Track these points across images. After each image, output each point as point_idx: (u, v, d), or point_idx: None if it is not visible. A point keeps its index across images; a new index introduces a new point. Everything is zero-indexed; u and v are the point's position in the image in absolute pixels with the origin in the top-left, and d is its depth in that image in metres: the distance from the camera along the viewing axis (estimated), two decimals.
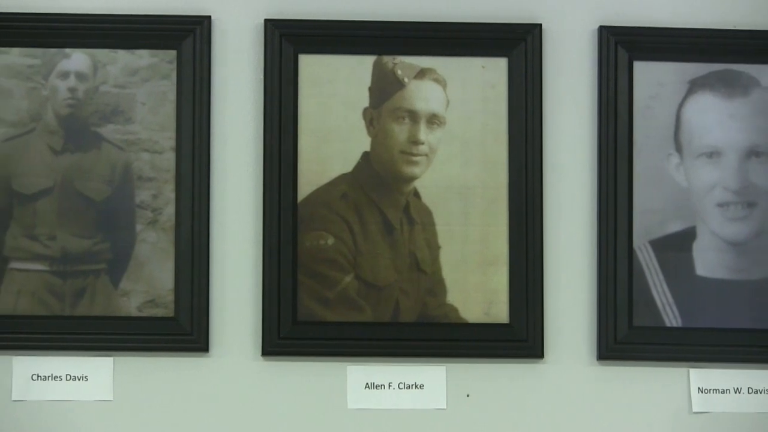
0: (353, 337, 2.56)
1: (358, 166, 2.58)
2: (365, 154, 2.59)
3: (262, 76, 2.58)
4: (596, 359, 2.59)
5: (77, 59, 2.58)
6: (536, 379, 2.59)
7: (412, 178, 2.59)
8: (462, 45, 2.60)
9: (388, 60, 2.60)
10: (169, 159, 2.57)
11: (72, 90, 2.57)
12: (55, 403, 2.55)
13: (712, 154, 2.61)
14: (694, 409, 2.59)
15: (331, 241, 2.57)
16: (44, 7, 2.59)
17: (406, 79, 2.59)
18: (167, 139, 2.57)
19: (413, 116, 2.59)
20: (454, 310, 2.58)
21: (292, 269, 2.55)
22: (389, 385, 2.57)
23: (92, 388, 2.55)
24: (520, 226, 2.58)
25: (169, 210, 2.57)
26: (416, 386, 2.57)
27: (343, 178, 2.58)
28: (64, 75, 2.58)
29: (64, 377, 2.55)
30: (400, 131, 2.59)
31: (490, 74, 2.61)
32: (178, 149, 2.57)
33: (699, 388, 2.59)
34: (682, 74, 2.62)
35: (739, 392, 2.59)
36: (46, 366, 2.55)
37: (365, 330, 2.56)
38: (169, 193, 2.57)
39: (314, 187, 2.58)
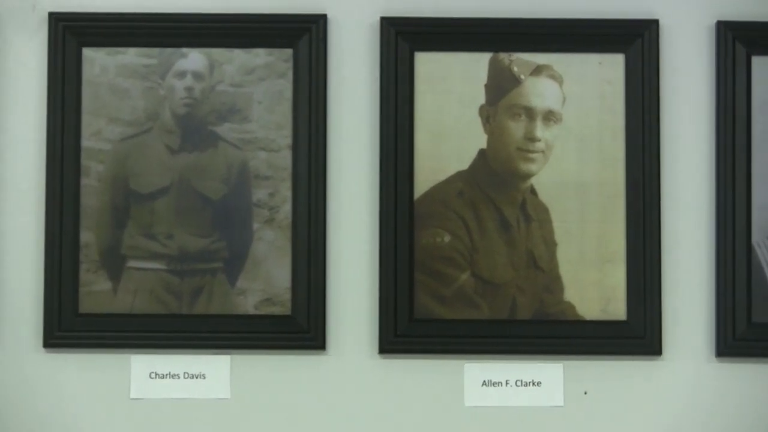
0: (470, 334, 2.56)
1: (475, 164, 2.58)
2: (481, 152, 2.58)
3: (378, 74, 2.58)
4: (714, 356, 2.58)
5: (194, 58, 2.59)
6: (654, 376, 2.58)
7: (529, 175, 2.58)
8: (578, 41, 2.59)
9: (504, 57, 2.59)
10: (285, 157, 2.58)
11: (189, 89, 2.58)
12: (172, 401, 2.56)
13: None
14: None
15: (447, 238, 2.57)
16: (161, 6, 2.60)
17: (522, 76, 2.59)
18: (284, 137, 2.58)
19: (529, 113, 2.58)
20: (571, 307, 2.57)
21: (408, 267, 2.55)
22: (506, 383, 2.57)
23: (210, 386, 2.56)
24: (637, 223, 2.57)
25: (286, 208, 2.57)
26: (533, 383, 2.57)
27: (459, 175, 2.58)
28: (181, 74, 2.59)
29: (181, 375, 2.56)
30: (516, 128, 2.58)
31: (607, 70, 2.59)
32: (295, 147, 2.57)
33: None
34: None
35: None
36: (164, 364, 2.56)
37: (482, 327, 2.56)
38: (286, 191, 2.57)
39: (430, 185, 2.58)
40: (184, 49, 2.59)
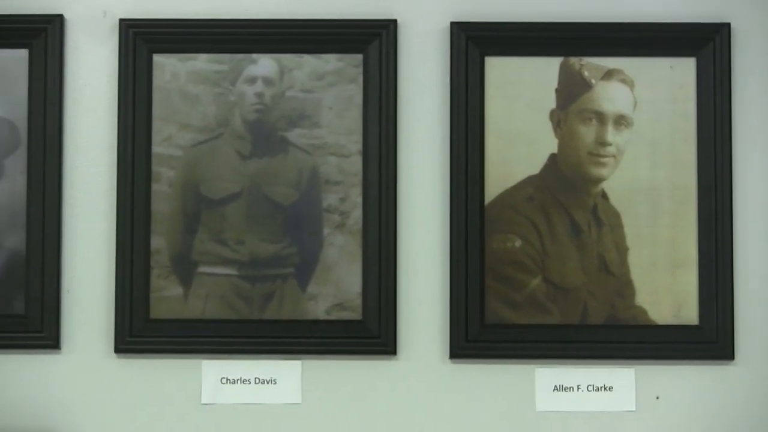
0: (541, 339, 2.55)
1: (545, 168, 2.57)
2: (552, 156, 2.58)
3: (448, 79, 2.58)
4: None
5: (264, 64, 2.59)
6: (727, 381, 2.57)
7: (600, 180, 2.58)
8: (649, 45, 2.58)
9: (574, 61, 2.58)
10: (356, 163, 2.58)
11: (259, 95, 2.59)
12: (243, 407, 2.57)
13: None
14: None
15: (518, 243, 2.56)
16: (232, 12, 2.60)
17: (593, 80, 2.58)
18: (354, 142, 2.58)
19: (600, 117, 2.58)
20: (643, 312, 2.56)
21: (479, 272, 2.55)
22: (578, 388, 2.56)
23: (281, 391, 2.56)
24: (709, 227, 2.56)
25: (356, 213, 2.57)
26: (605, 388, 2.56)
27: (529, 180, 2.57)
28: (252, 80, 2.59)
29: (252, 380, 2.56)
30: (587, 132, 2.58)
31: (679, 74, 2.59)
32: (365, 153, 2.57)
33: None
34: None
35: None
36: (235, 369, 2.57)
37: (553, 332, 2.56)
38: (356, 196, 2.57)
39: (501, 190, 2.57)
40: (255, 55, 2.59)
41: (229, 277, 2.57)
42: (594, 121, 2.58)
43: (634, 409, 2.56)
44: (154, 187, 2.57)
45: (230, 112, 2.59)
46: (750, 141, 2.59)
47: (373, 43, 2.58)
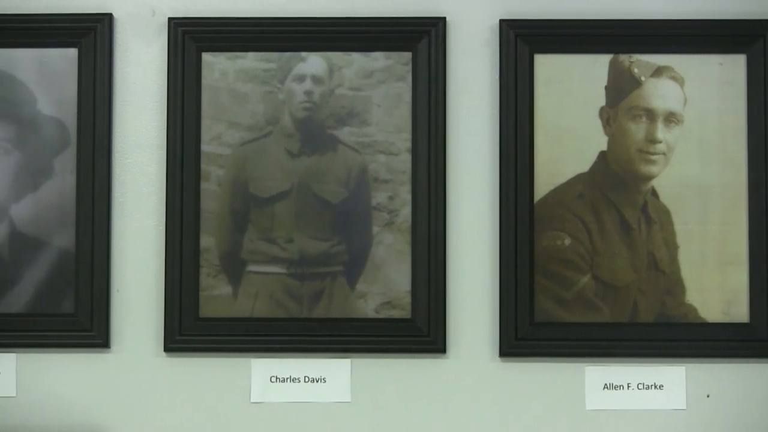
0: (591, 337, 2.55)
1: (595, 166, 2.57)
2: (602, 154, 2.57)
3: (497, 77, 2.58)
4: None
5: (313, 62, 2.59)
6: None
7: (650, 177, 2.57)
8: (699, 42, 2.57)
9: (624, 58, 2.58)
10: (405, 161, 2.57)
11: (308, 93, 2.59)
12: (293, 405, 2.57)
13: None
14: None
15: (568, 241, 2.56)
16: (280, 11, 2.60)
17: (642, 78, 2.57)
18: (403, 140, 2.58)
19: (650, 115, 2.57)
20: (693, 309, 2.55)
21: (528, 270, 2.55)
22: (628, 386, 2.55)
23: (330, 389, 2.56)
24: (759, 225, 2.55)
25: (406, 212, 2.57)
26: (655, 386, 2.55)
27: (579, 177, 2.57)
28: (300, 78, 2.59)
29: (302, 379, 2.56)
30: (637, 130, 2.57)
31: (728, 71, 2.58)
32: (414, 151, 2.57)
33: None
34: None
35: None
36: (284, 368, 2.56)
37: (603, 330, 2.55)
38: (406, 194, 2.57)
39: (550, 187, 2.57)
40: (303, 53, 2.59)
41: (278, 275, 2.57)
42: (644, 119, 2.57)
43: (684, 407, 2.55)
44: (203, 185, 2.57)
45: (279, 110, 2.59)
46: None
47: (422, 40, 2.57)
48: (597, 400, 2.55)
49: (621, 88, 2.57)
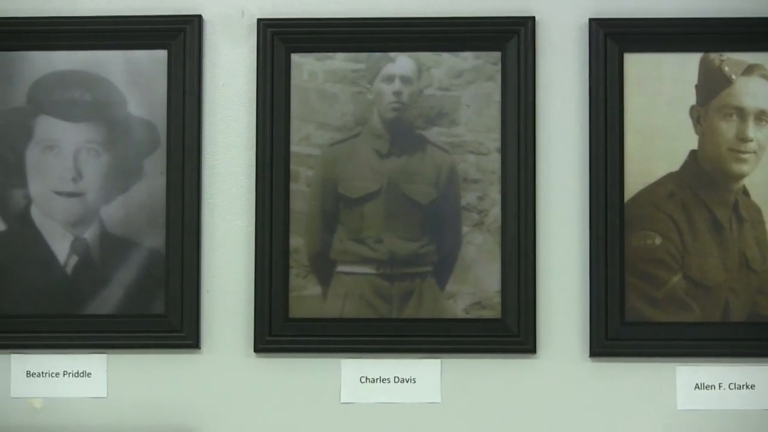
0: (682, 337, 2.53)
1: (686, 165, 2.56)
2: (692, 153, 2.56)
3: (586, 76, 2.57)
4: None
5: (402, 63, 2.59)
6: None
7: (741, 176, 2.56)
8: None
9: (714, 57, 2.57)
10: (494, 161, 2.57)
11: (397, 94, 2.59)
12: (383, 406, 2.57)
13: None
14: None
15: (658, 240, 2.55)
16: (369, 11, 2.60)
17: (733, 76, 2.56)
18: (492, 140, 2.57)
19: (741, 113, 2.56)
20: None
21: (619, 269, 2.54)
22: (719, 386, 2.54)
23: (420, 390, 2.56)
24: None
25: (495, 212, 2.57)
26: (747, 386, 2.54)
27: (669, 176, 2.56)
28: (389, 79, 2.59)
29: (392, 380, 2.56)
30: (727, 128, 2.56)
31: None
32: (504, 150, 2.57)
33: None
34: None
35: None
36: (374, 368, 2.56)
37: (694, 330, 2.54)
38: (495, 194, 2.57)
39: (641, 187, 2.56)
40: (392, 54, 2.59)
41: (367, 276, 2.57)
42: (734, 117, 2.56)
43: None
44: (293, 186, 2.58)
45: (368, 110, 2.59)
46: None
47: (512, 40, 2.57)
48: (688, 400, 2.54)
49: (711, 87, 2.56)
